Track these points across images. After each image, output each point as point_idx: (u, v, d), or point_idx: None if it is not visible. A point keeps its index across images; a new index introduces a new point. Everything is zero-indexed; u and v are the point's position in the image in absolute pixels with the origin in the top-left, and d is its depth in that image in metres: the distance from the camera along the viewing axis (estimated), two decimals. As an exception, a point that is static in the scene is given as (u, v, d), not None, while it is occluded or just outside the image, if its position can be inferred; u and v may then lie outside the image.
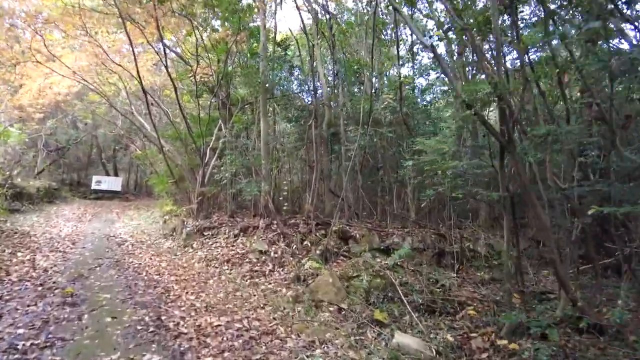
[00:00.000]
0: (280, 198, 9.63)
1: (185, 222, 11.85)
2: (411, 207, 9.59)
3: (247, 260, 8.61)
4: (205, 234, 10.91)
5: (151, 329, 4.92)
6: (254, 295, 6.76)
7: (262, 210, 10.63)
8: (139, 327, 4.93)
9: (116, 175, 30.18)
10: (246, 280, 7.63)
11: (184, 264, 8.81)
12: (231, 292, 6.89)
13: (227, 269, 8.33)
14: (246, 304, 6.29)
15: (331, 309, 6.20)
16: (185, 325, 5.12)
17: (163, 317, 5.33)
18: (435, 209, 10.30)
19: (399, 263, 7.36)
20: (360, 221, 9.83)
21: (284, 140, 11.15)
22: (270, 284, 7.48)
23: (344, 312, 6.08)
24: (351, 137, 10.01)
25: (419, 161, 7.59)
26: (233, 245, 9.62)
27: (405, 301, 6.02)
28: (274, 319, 5.64)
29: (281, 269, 8.16)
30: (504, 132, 4.92)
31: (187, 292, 6.65)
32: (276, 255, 8.54)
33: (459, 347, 5.03)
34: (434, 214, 10.54)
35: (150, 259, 9.36)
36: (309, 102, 11.59)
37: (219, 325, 5.18)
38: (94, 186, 25.59)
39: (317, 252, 8.62)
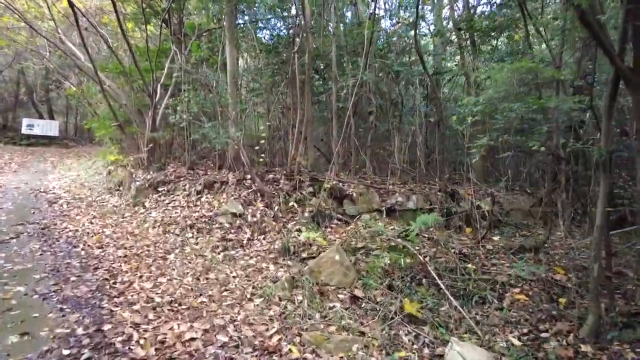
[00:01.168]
0: (257, 147, 7.73)
1: (134, 175, 9.73)
2: (421, 159, 8.03)
3: (216, 225, 6.82)
4: (160, 189, 8.91)
5: (85, 355, 3.13)
6: (234, 277, 5.07)
7: (231, 162, 8.72)
8: (65, 353, 3.13)
9: (52, 118, 26.45)
10: (219, 254, 5.90)
11: (135, 230, 6.90)
12: (202, 272, 5.15)
13: (192, 238, 6.53)
14: (226, 293, 4.59)
15: (341, 296, 4.64)
16: (140, 341, 3.38)
17: (106, 327, 3.55)
18: (436, 163, 8.82)
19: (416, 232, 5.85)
20: (354, 176, 8.19)
21: (256, 76, 9.07)
22: (251, 258, 5.79)
23: (360, 301, 4.54)
24: (345, 73, 8.16)
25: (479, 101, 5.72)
26: (196, 205, 7.74)
27: (442, 286, 4.54)
28: (271, 319, 4.01)
29: (262, 236, 6.46)
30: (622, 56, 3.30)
31: (140, 277, 4.84)
32: (254, 219, 6.80)
33: (534, 357, 3.65)
34: (433, 169, 9.08)
35: (91, 222, 7.36)
36: (289, 27, 9.43)
37: (194, 338, 3.47)
38: (24, 130, 22.08)
39: (306, 214, 6.97)
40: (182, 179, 9.02)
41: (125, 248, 5.85)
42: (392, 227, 6.76)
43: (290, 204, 7.04)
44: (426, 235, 6.28)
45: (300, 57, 7.84)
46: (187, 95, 8.19)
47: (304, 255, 5.64)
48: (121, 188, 10.05)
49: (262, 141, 7.72)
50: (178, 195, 8.46)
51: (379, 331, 3.90)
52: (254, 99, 9.38)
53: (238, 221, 6.82)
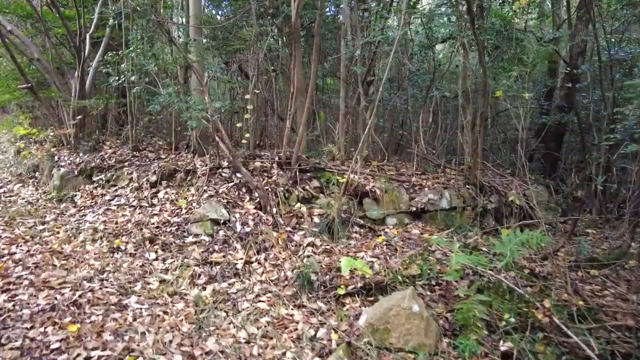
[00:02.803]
0: (239, 125, 5.54)
1: (55, 157, 7.15)
2: (467, 142, 6.35)
3: (190, 238, 4.72)
4: (95, 179, 6.51)
5: None
6: (246, 343, 3.11)
7: (196, 142, 6.50)
8: None
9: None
10: (203, 289, 3.87)
11: (64, 246, 4.60)
12: (190, 337, 3.13)
13: (157, 260, 4.40)
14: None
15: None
16: None
17: None
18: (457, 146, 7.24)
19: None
20: (366, 165, 6.35)
21: (230, 27, 6.75)
22: (257, 296, 3.84)
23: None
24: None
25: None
26: (152, 205, 5.53)
27: (581, 344, 2.92)
28: None
29: (263, 256, 4.49)
30: None
31: (88, 352, 2.73)
32: (247, 229, 4.79)
33: None
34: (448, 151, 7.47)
35: (-10, 233, 4.91)
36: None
37: None
38: None
39: (316, 219, 5.08)
40: (125, 163, 6.66)
41: (52, 287, 3.61)
42: (434, 235, 5.09)
43: (297, 205, 5.08)
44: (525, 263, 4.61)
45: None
46: (136, 48, 5.75)
47: (340, 290, 3.79)
48: (37, 174, 7.43)
49: (247, 116, 5.58)
50: (123, 188, 6.14)
51: None
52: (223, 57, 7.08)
53: (222, 232, 4.77)
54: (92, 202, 5.97)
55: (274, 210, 5.10)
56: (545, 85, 9.82)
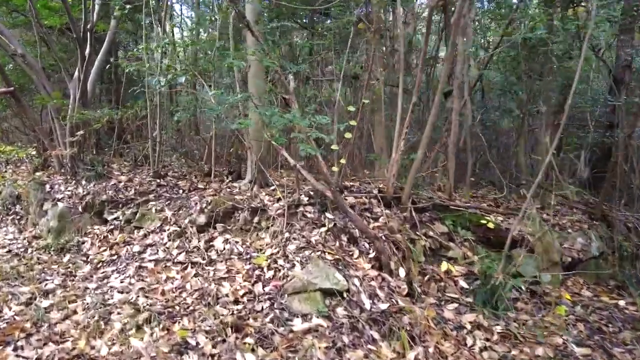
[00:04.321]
0: (333, 147, 3.86)
1: (48, 186, 5.28)
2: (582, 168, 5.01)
3: (300, 322, 3.06)
4: (110, 218, 4.72)
5: None
6: None
7: (255, 168, 4.84)
8: None
9: None
10: None
11: (94, 342, 2.84)
12: None
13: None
14: None
15: None
16: None
17: None
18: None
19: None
20: (478, 198, 4.88)
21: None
22: None
23: None
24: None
25: None
26: (212, 262, 3.81)
27: None
28: None
29: (426, 356, 2.89)
30: None
31: None
32: (381, 306, 3.17)
33: None
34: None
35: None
36: None
37: None
38: None
39: (461, 283, 3.54)
40: (150, 196, 4.91)
41: None
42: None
43: (444, 267, 3.50)
44: None
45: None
46: (185, 42, 4.04)
47: None
48: (17, 209, 5.50)
49: (348, 135, 3.99)
50: (155, 232, 4.39)
51: None
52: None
53: (341, 309, 3.13)
54: (111, 255, 4.18)
55: (401, 271, 3.52)
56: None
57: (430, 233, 3.98)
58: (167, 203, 4.74)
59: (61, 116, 5.47)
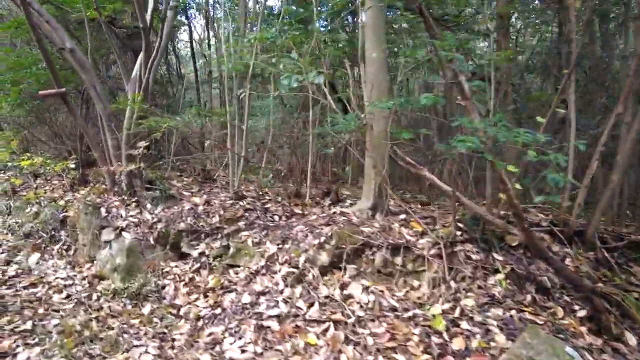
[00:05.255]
0: (513, 168, 2.97)
1: (104, 210, 4.28)
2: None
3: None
4: (194, 253, 3.73)
5: None
6: None
7: (376, 185, 3.90)
8: None
9: None
10: None
11: None
12: None
13: None
14: None
15: None
16: None
17: None
18: None
19: None
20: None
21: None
22: None
23: None
24: None
25: None
26: (360, 321, 2.85)
27: None
28: None
29: None
30: None
31: None
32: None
33: None
34: None
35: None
36: None
37: None
38: None
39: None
40: (240, 224, 3.93)
41: None
42: None
43: None
44: None
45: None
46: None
47: None
48: (62, 235, 4.47)
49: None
50: (260, 274, 3.41)
51: None
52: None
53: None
54: (211, 306, 3.19)
55: (629, 336, 2.60)
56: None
57: (632, 279, 3.07)
58: (263, 233, 3.78)
59: (110, 123, 4.48)
